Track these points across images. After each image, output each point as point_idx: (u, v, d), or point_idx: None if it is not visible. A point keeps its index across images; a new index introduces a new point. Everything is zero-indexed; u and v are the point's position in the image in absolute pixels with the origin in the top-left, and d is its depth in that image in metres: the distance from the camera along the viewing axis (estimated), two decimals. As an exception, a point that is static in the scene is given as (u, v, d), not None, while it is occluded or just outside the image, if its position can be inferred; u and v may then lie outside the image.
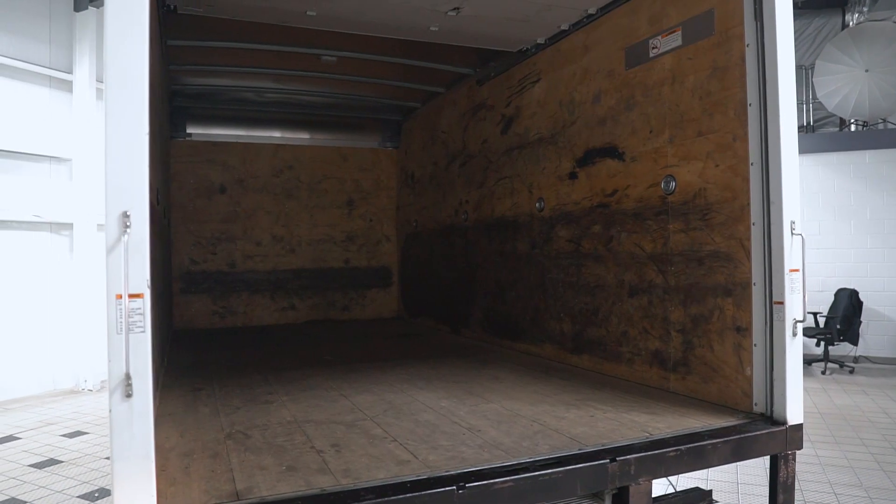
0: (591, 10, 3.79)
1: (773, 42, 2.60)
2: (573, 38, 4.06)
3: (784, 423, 2.58)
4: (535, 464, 2.17)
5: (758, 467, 4.96)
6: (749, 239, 2.77)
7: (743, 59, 2.78)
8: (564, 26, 4.07)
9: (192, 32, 4.36)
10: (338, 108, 6.98)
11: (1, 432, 6.27)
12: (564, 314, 4.17)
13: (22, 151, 7.55)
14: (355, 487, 1.97)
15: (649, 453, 2.29)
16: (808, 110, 10.09)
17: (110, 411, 1.64)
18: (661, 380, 3.32)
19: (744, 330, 2.80)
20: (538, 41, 4.36)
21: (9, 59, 7.39)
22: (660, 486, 4.45)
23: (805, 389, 7.70)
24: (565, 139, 4.15)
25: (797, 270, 2.60)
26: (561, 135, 4.20)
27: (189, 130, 6.63)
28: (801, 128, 9.72)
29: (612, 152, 3.71)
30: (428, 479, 2.03)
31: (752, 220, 2.75)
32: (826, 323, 8.88)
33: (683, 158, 3.17)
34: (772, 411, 2.65)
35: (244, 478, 2.07)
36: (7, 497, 4.61)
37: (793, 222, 2.60)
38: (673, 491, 4.12)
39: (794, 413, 2.59)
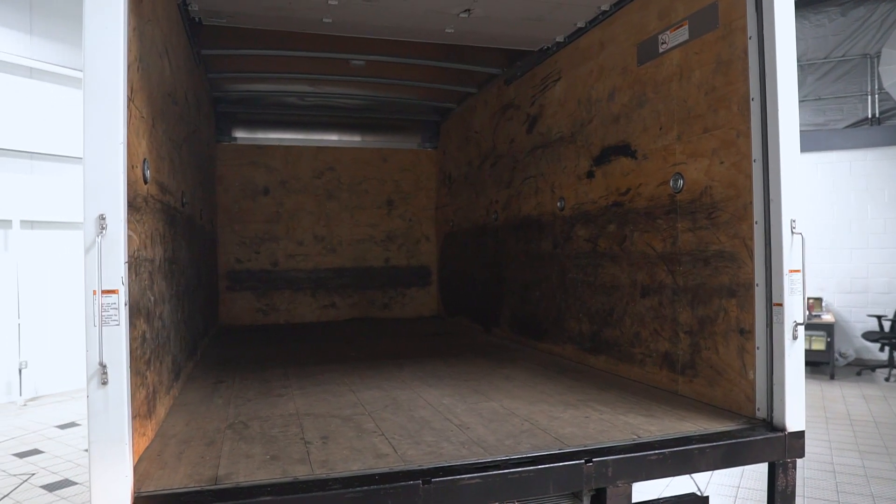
0: (605, 7, 3.74)
1: (772, 33, 2.51)
2: (590, 35, 4.01)
3: (783, 429, 2.48)
4: (507, 462, 2.18)
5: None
6: (752, 238, 2.68)
7: (746, 52, 2.69)
8: (581, 23, 4.02)
9: (223, 42, 4.57)
10: (377, 111, 7.11)
11: (65, 419, 6.76)
12: (583, 314, 4.13)
13: (88, 157, 8.09)
14: (325, 477, 2.04)
15: (628, 456, 2.26)
16: (873, 102, 9.48)
17: (87, 397, 1.77)
18: (670, 382, 3.24)
19: (747, 332, 2.71)
20: (557, 39, 4.33)
21: (73, 71, 7.93)
22: (684, 486, 4.33)
23: (864, 396, 7.30)
24: (583, 137, 4.11)
25: (798, 271, 2.49)
26: (580, 133, 4.16)
27: (234, 134, 6.93)
28: (865, 120, 9.18)
29: (625, 150, 3.65)
30: (396, 473, 2.08)
31: (755, 219, 2.66)
32: (891, 327, 8.34)
33: (691, 155, 3.09)
34: (771, 417, 2.55)
35: (228, 464, 2.18)
36: (62, 478, 4.97)
37: (793, 221, 2.50)
38: (698, 492, 4.05)
39: (794, 420, 2.49)
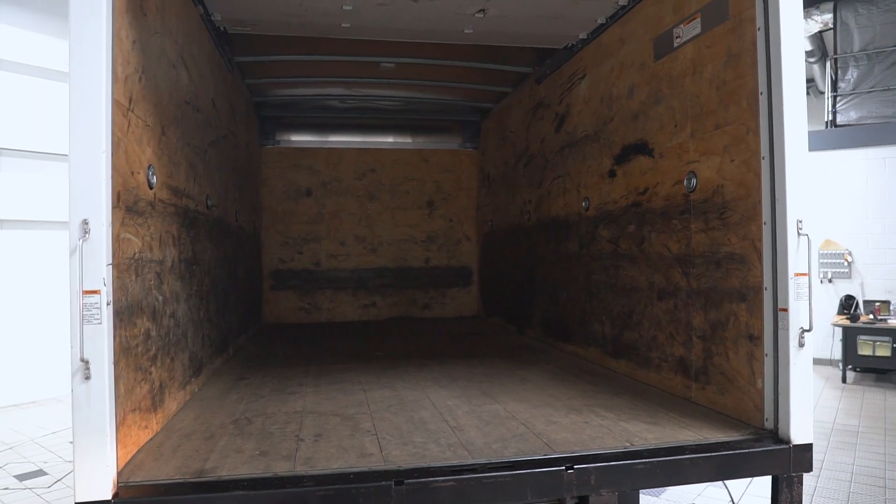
0: (623, 1, 3.64)
1: (777, 22, 2.38)
2: (611, 31, 3.92)
3: (788, 441, 2.35)
4: (485, 465, 2.16)
5: (840, 490, 4.46)
6: (761, 239, 2.55)
7: (755, 44, 2.56)
8: (602, 20, 3.93)
9: (256, 49, 4.72)
10: (417, 112, 7.15)
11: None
12: (605, 317, 4.04)
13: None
14: (302, 474, 2.09)
15: (613, 464, 2.20)
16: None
17: (72, 391, 1.88)
18: (684, 389, 3.13)
19: (756, 338, 2.58)
20: (581, 36, 4.25)
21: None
22: (718, 494, 4.14)
23: (933, 409, 6.76)
24: (606, 136, 4.02)
25: (804, 274, 2.35)
26: (602, 131, 4.07)
27: (278, 138, 7.15)
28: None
29: (643, 148, 3.54)
30: (371, 472, 2.10)
31: (764, 220, 2.53)
32: (970, 334, 7.71)
33: (704, 153, 2.97)
34: (777, 428, 2.42)
35: (218, 458, 2.27)
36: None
37: (799, 221, 2.36)
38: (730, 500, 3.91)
39: (800, 432, 2.35)
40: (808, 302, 2.35)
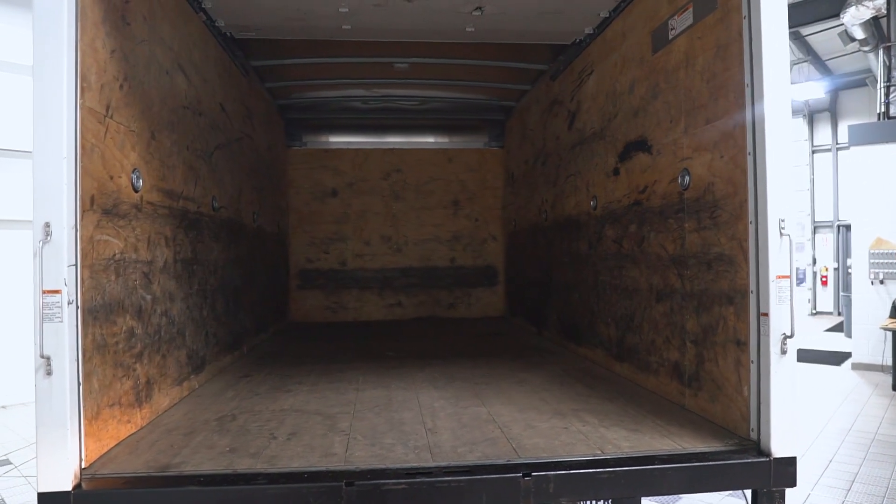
0: (622, -6, 3.54)
1: (758, 10, 2.26)
2: (614, 25, 3.81)
3: (769, 454, 2.23)
4: (440, 469, 2.14)
5: (868, 507, 4.21)
6: (747, 240, 2.42)
7: (741, 34, 2.44)
8: (604, 13, 3.83)
9: (268, 53, 4.81)
10: (441, 112, 7.14)
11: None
12: (610, 318, 3.94)
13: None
14: (257, 472, 2.11)
15: (575, 472, 2.13)
16: None
17: (35, 386, 1.96)
18: (678, 395, 3.01)
19: (743, 344, 2.46)
20: (587, 31, 4.15)
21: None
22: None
23: None
24: (611, 133, 3.91)
25: (786, 277, 2.22)
26: (608, 128, 3.96)
27: (304, 139, 7.27)
28: None
29: (643, 145, 3.43)
30: (324, 472, 2.11)
31: (750, 219, 2.40)
32: None
33: (696, 150, 2.85)
34: (759, 439, 2.30)
35: (187, 454, 2.32)
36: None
37: (782, 220, 2.23)
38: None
39: (782, 444, 2.22)
40: (789, 306, 2.21)
